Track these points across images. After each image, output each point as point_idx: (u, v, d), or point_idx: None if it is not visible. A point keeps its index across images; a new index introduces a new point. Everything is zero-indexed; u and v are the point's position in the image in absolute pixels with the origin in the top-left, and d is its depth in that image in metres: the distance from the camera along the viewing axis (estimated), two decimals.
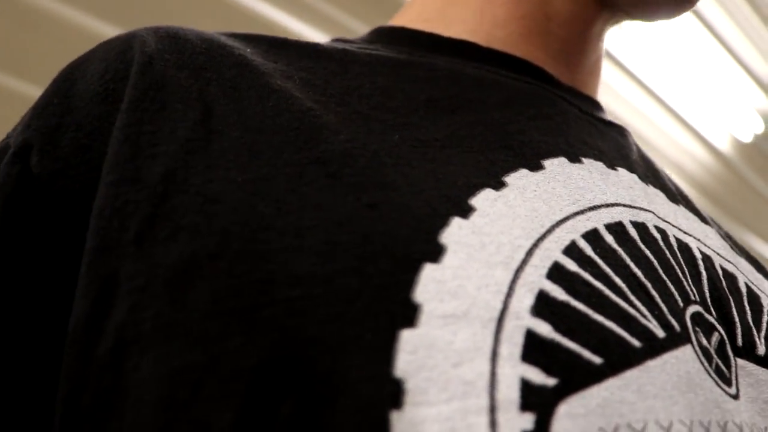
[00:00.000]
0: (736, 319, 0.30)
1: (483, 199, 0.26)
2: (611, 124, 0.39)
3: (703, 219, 0.37)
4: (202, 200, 0.24)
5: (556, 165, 0.30)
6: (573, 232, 0.27)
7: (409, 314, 0.21)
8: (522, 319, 0.22)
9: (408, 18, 0.41)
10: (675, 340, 0.26)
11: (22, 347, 0.25)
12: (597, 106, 0.40)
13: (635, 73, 1.93)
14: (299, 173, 0.25)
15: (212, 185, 0.24)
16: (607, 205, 0.29)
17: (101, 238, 0.24)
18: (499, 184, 0.27)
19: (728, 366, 0.28)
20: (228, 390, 0.20)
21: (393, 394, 0.20)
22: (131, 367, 0.22)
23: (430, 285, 0.22)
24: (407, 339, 0.21)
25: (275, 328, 0.21)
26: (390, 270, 0.22)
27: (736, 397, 0.27)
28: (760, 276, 0.37)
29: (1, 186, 0.27)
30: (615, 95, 1.92)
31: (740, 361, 0.29)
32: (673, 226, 0.33)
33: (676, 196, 0.37)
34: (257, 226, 0.23)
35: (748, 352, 0.29)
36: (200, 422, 0.20)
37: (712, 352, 0.28)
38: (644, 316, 0.25)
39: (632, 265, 0.27)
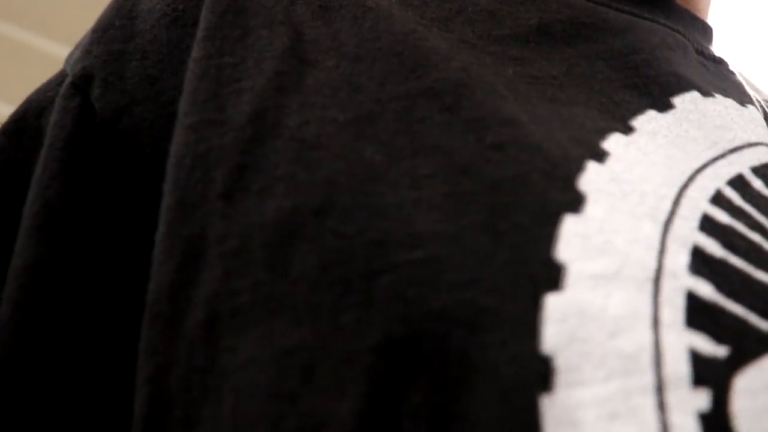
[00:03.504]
0: None
1: (615, 144, 0.22)
2: (720, 61, 0.34)
3: None
4: (299, 146, 0.21)
5: (687, 102, 0.26)
6: (716, 179, 0.23)
7: (553, 276, 0.18)
8: (680, 279, 0.19)
9: None
10: None
11: (93, 321, 0.23)
12: (708, 35, 0.35)
13: None
14: (409, 108, 0.22)
15: (309, 128, 0.21)
16: (750, 145, 0.25)
17: (182, 191, 0.21)
18: (627, 129, 0.24)
19: None
20: (344, 376, 0.17)
21: (542, 374, 0.17)
22: (227, 347, 0.19)
23: (574, 240, 0.19)
24: (554, 306, 0.18)
25: (395, 298, 0.18)
26: (526, 224, 0.19)
27: None
28: None
29: (59, 124, 0.24)
30: None
31: None
32: None
33: None
34: (366, 176, 0.20)
35: None
36: (314, 415, 0.17)
37: None
38: None
39: None
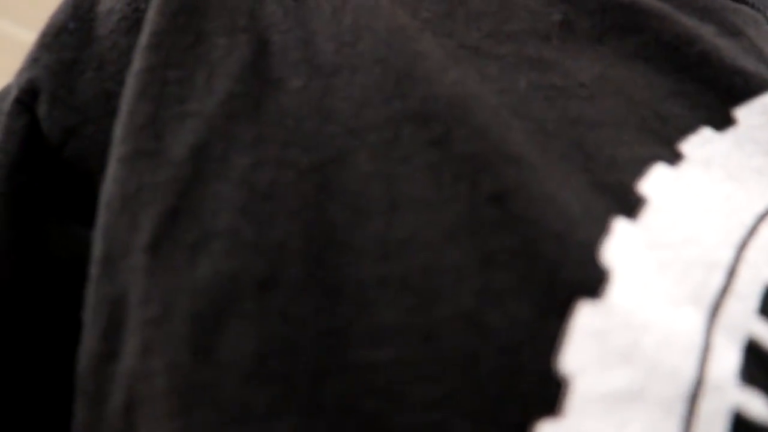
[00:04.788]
0: None
1: (656, 185, 0.17)
2: None
3: None
4: (249, 194, 0.17)
5: (756, 114, 0.20)
6: None
7: (550, 396, 0.14)
8: (726, 393, 0.14)
9: None
10: None
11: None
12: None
13: None
14: (391, 141, 0.17)
15: (264, 170, 0.17)
16: None
17: (109, 242, 0.17)
18: (674, 156, 0.18)
19: None
20: None
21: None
22: None
23: (588, 342, 0.14)
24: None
25: (348, 410, 0.14)
26: (524, 318, 0.14)
27: None
28: None
29: (2, 149, 0.20)
30: None
31: None
32: None
33: None
34: (326, 242, 0.16)
35: None
36: None
37: None
38: None
39: None
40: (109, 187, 0.18)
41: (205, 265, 0.16)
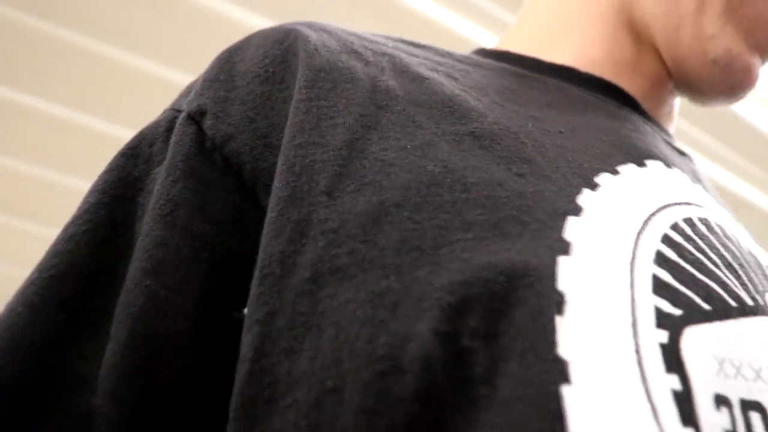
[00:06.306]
0: None
1: (605, 180, 0.31)
2: (683, 153, 0.45)
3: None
4: (381, 164, 0.29)
5: (656, 166, 0.36)
6: (675, 216, 0.32)
7: (564, 247, 0.26)
8: (648, 265, 0.27)
9: (509, 46, 0.47)
10: (760, 311, 0.30)
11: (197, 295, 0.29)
12: (672, 137, 0.46)
13: None
14: (458, 141, 0.30)
15: (387, 152, 0.29)
16: (697, 205, 0.35)
17: (293, 188, 0.28)
18: (615, 172, 0.33)
19: None
20: (421, 308, 0.24)
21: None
22: (327, 294, 0.26)
23: (577, 230, 0.27)
24: (566, 264, 0.26)
25: (455, 259, 0.26)
26: (543, 219, 0.27)
27: None
28: None
29: (179, 144, 0.32)
30: None
31: None
32: (742, 237, 0.38)
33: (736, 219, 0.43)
34: (430, 182, 0.28)
35: None
36: (399, 335, 0.24)
37: None
38: (736, 286, 0.30)
39: (720, 248, 0.32)
40: (288, 160, 0.29)
41: (362, 200, 0.28)
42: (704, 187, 0.40)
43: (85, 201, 0.32)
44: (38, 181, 1.65)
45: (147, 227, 0.30)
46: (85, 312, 0.28)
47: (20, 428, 0.26)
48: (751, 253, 0.37)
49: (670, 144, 0.43)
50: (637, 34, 0.45)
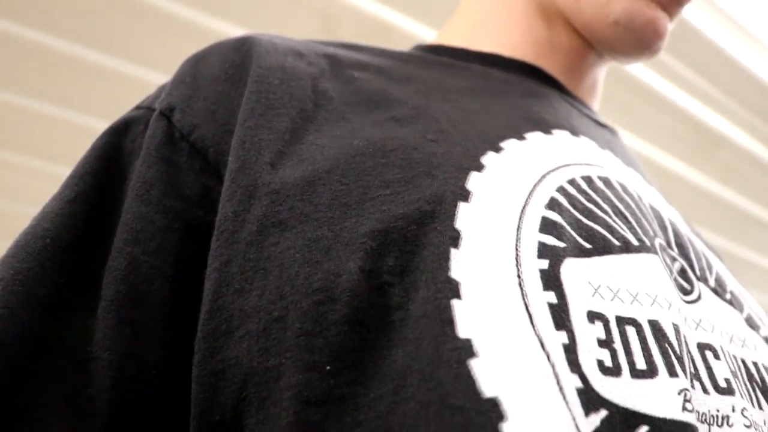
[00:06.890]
0: (693, 259, 0.41)
1: (509, 144, 0.37)
2: (604, 125, 0.50)
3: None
4: (315, 147, 0.35)
5: (561, 134, 0.41)
6: (573, 173, 0.38)
7: (464, 195, 0.32)
8: (539, 209, 0.33)
9: (443, 39, 0.53)
10: (646, 249, 0.36)
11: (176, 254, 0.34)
12: (593, 111, 0.52)
13: None
14: (380, 123, 0.36)
15: (321, 139, 0.35)
16: (599, 165, 0.40)
17: (243, 161, 0.34)
18: (521, 138, 0.38)
19: (690, 283, 0.38)
20: (350, 250, 0.30)
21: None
22: (272, 243, 0.31)
23: (477, 182, 0.33)
24: (465, 208, 0.31)
25: (376, 211, 0.31)
26: (450, 174, 0.33)
27: (695, 301, 0.37)
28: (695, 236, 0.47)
29: (152, 135, 0.37)
30: None
31: (699, 284, 0.39)
32: (647, 195, 0.43)
33: (650, 181, 0.49)
34: (355, 153, 0.34)
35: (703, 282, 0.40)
36: (332, 272, 0.30)
37: (674, 270, 0.38)
38: (623, 229, 0.36)
39: (614, 200, 0.38)
40: (241, 138, 0.35)
41: (299, 170, 0.33)
42: (615, 153, 0.46)
43: (76, 182, 0.36)
44: (37, 115, 1.69)
45: (127, 205, 0.35)
46: (82, 278, 0.33)
47: (29, 370, 0.31)
48: (653, 207, 0.42)
49: (589, 117, 0.49)
50: (547, 14, 0.50)
